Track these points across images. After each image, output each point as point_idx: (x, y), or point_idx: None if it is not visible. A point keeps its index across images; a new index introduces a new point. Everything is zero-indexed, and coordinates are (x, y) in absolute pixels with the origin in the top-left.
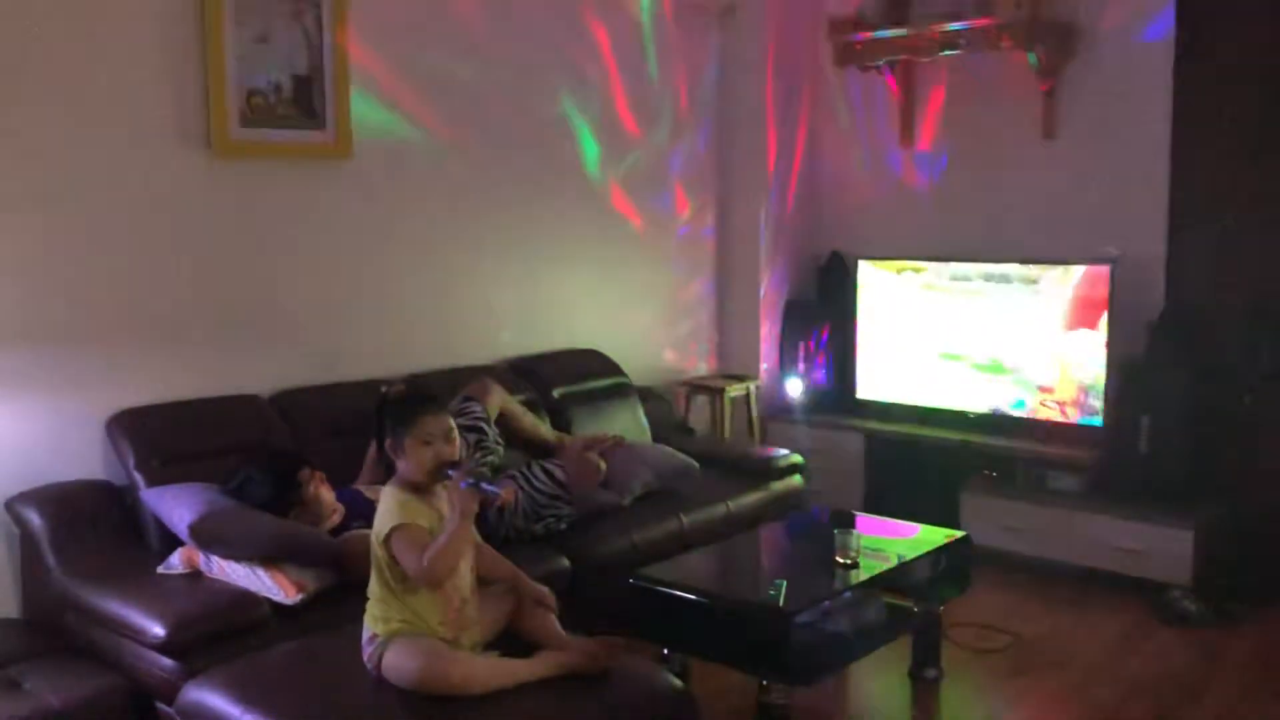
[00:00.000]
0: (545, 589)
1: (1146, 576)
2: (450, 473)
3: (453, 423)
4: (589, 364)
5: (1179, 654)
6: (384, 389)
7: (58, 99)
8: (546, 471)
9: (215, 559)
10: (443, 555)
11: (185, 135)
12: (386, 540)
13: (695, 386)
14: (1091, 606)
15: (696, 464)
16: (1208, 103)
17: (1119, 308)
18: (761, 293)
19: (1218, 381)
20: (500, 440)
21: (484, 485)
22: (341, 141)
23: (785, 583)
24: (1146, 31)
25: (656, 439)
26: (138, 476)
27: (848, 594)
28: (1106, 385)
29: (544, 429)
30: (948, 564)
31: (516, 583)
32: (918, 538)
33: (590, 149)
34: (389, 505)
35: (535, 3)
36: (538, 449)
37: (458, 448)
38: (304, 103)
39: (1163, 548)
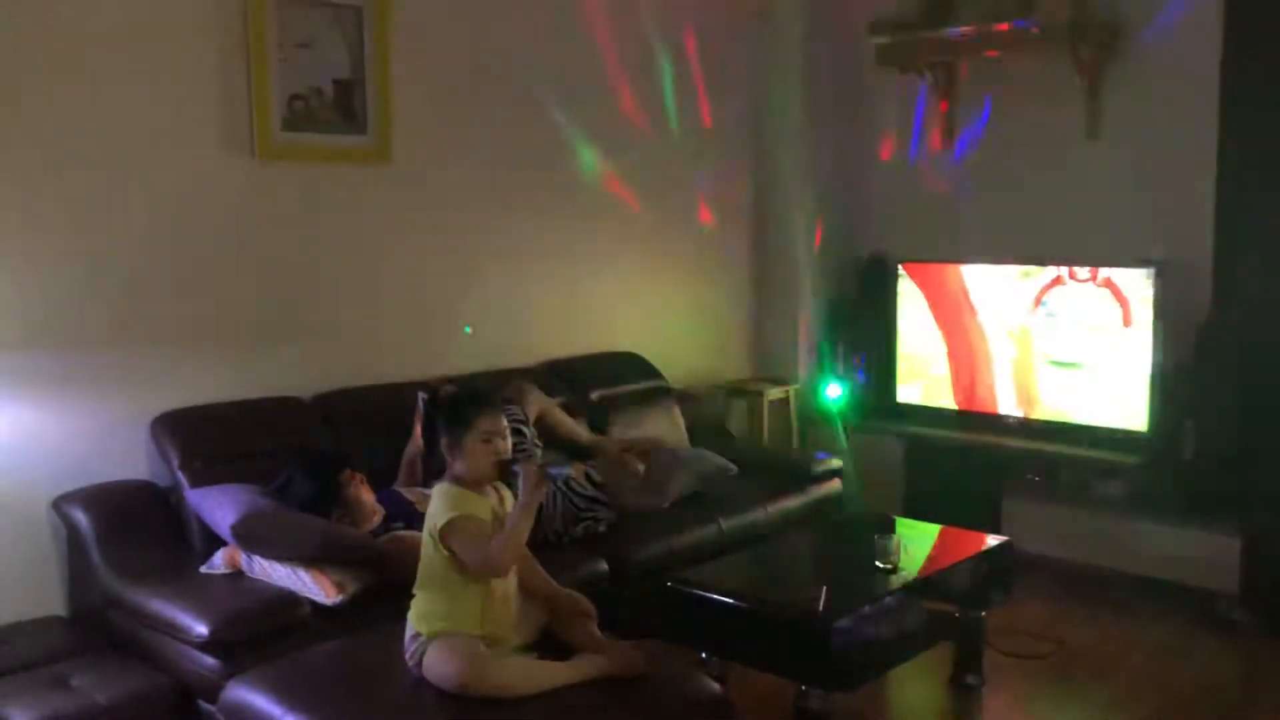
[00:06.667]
0: (583, 598)
1: (1193, 584)
2: (515, 468)
3: (506, 422)
4: (627, 367)
5: (1226, 663)
6: (441, 389)
7: (103, 103)
8: (585, 474)
9: (257, 559)
10: (510, 539)
11: (228, 138)
12: (443, 533)
13: (734, 390)
14: (1136, 614)
15: (735, 467)
16: (1255, 100)
17: (1165, 311)
18: (801, 295)
19: (1265, 386)
20: (539, 442)
21: (551, 470)
22: (382, 145)
23: (825, 587)
24: (1192, 29)
25: (694, 442)
26: (181, 477)
27: (888, 599)
28: (1151, 390)
29: (582, 431)
30: (989, 570)
31: (552, 599)
32: (959, 543)
33: (631, 154)
34: (444, 500)
35: (580, 9)
36: (576, 451)
37: (511, 446)
38: (345, 107)
39: (1210, 555)
